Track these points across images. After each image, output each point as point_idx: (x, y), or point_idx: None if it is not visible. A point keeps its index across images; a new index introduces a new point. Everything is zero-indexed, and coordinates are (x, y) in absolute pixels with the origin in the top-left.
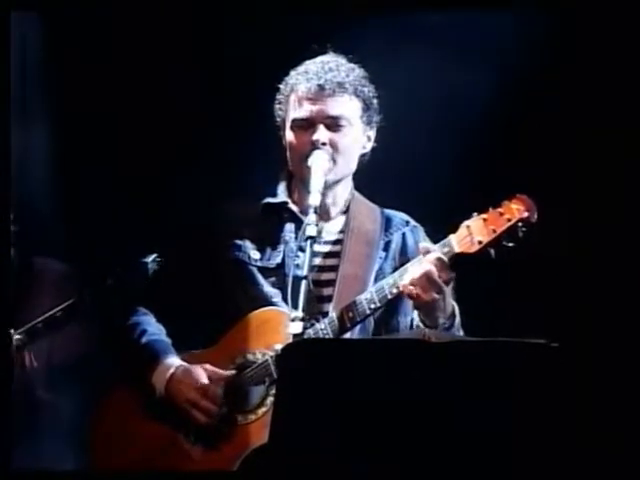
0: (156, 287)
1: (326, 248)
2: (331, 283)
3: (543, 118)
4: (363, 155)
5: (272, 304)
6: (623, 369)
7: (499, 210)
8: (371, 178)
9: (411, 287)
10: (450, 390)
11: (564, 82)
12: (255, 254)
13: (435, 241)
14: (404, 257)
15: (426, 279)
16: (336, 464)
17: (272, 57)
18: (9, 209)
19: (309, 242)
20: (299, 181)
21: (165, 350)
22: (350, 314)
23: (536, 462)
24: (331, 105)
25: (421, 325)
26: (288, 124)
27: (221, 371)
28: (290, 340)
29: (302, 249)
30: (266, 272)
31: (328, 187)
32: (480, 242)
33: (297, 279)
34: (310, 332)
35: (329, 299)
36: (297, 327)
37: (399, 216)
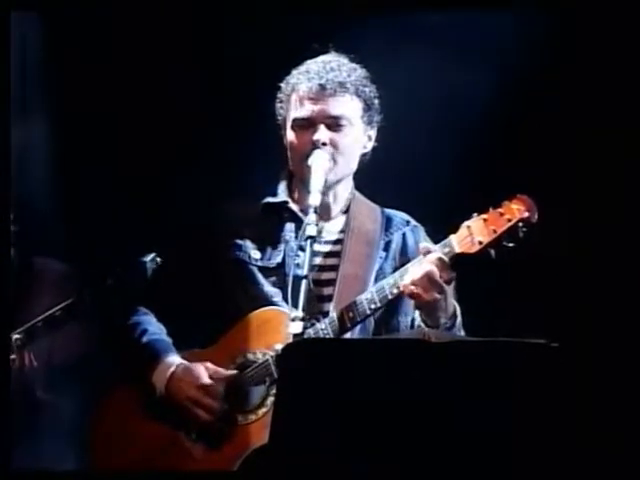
0: (156, 287)
1: (326, 248)
2: (331, 283)
3: (543, 118)
4: (364, 155)
5: (272, 304)
6: (623, 369)
7: (499, 210)
8: (372, 178)
9: (412, 287)
10: (450, 390)
11: (564, 82)
12: (255, 254)
13: (436, 241)
14: (404, 257)
15: (427, 279)
16: (336, 464)
17: (272, 57)
18: (9, 209)
19: (309, 242)
20: (299, 181)
21: (166, 349)
22: (350, 314)
23: (536, 462)
24: (332, 105)
25: (422, 325)
26: (289, 123)
27: (222, 370)
28: (290, 340)
29: (302, 249)
30: (266, 272)
31: (328, 187)
32: (480, 242)
33: (297, 279)
34: (310, 332)
35: (329, 299)
36: (297, 327)
37: (399, 216)
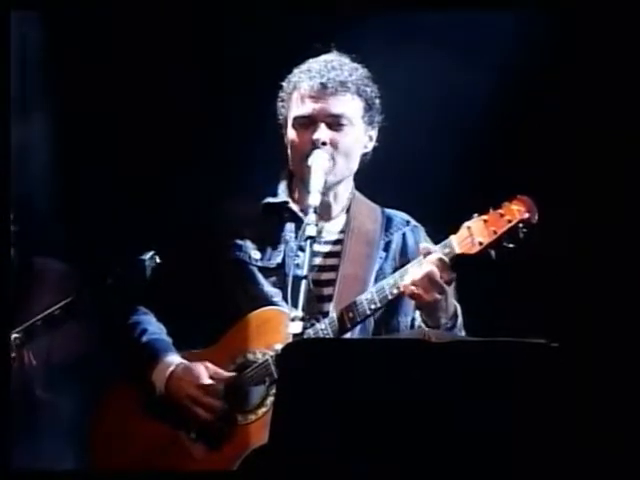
0: (157, 287)
1: (326, 248)
2: (331, 283)
3: (543, 118)
4: (364, 155)
5: (272, 304)
6: (623, 369)
7: (500, 211)
8: (372, 178)
9: (413, 287)
10: (450, 390)
11: (564, 82)
12: (256, 254)
13: (436, 241)
14: (404, 257)
15: (428, 280)
16: (336, 464)
17: (272, 57)
18: (9, 209)
19: (309, 242)
20: (300, 180)
21: (165, 349)
22: (350, 314)
23: (536, 462)
24: (333, 103)
25: (423, 325)
26: (290, 122)
27: (222, 371)
28: (290, 340)
29: (302, 249)
30: (266, 272)
31: (328, 187)
32: (481, 243)
33: (297, 279)
34: (310, 332)
35: (329, 299)
36: (297, 327)
37: (400, 216)
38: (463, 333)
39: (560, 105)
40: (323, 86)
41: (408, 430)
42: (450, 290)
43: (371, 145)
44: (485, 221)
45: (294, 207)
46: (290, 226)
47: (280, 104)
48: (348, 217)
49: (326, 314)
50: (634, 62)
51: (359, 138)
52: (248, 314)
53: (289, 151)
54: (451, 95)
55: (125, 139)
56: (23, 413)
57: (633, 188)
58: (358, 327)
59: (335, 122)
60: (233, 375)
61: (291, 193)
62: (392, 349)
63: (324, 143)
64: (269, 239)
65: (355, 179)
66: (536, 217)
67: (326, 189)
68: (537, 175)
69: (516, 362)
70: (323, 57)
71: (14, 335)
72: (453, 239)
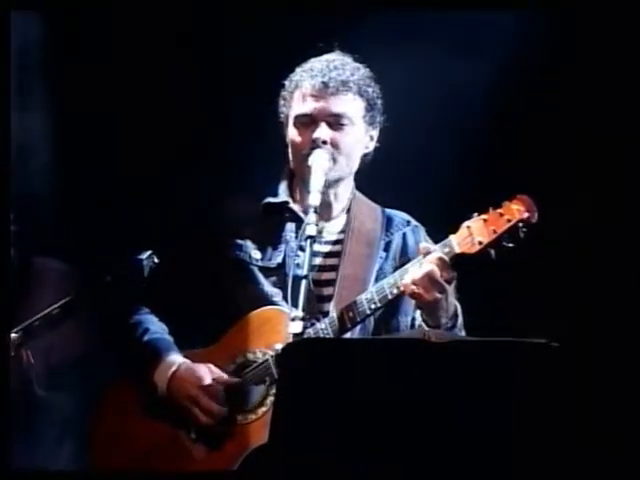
0: (157, 286)
1: (327, 248)
2: (331, 283)
3: (543, 118)
4: (365, 155)
5: (273, 303)
6: (623, 369)
7: (499, 211)
8: (372, 178)
9: (413, 287)
10: (450, 390)
11: (564, 82)
12: (256, 254)
13: (436, 241)
14: (405, 257)
15: (428, 279)
16: (336, 464)
17: (272, 57)
18: (9, 209)
19: (309, 242)
20: (300, 180)
21: (167, 348)
22: (350, 314)
23: (536, 462)
24: (334, 103)
25: (424, 325)
26: (291, 121)
27: (225, 375)
28: (290, 339)
29: (302, 249)
30: (267, 272)
31: (329, 186)
32: (480, 243)
33: (297, 278)
34: (310, 332)
35: (329, 299)
36: (297, 326)
37: (400, 216)
38: (463, 333)
39: (560, 105)
40: (325, 85)
41: (408, 430)
42: (450, 289)
43: (372, 145)
44: (485, 221)
45: (295, 207)
46: (290, 226)
47: (281, 103)
48: (348, 217)
49: (326, 314)
50: (634, 62)
51: (360, 138)
52: (248, 314)
53: (290, 150)
54: (451, 95)
55: (125, 139)
56: (23, 413)
57: (633, 188)
58: (358, 327)
59: (336, 121)
60: (236, 380)
61: (292, 193)
62: (392, 349)
63: (324, 142)
64: (269, 239)
65: (356, 179)
66: (536, 216)
67: (326, 188)
68: (537, 175)
69: (516, 362)
70: (325, 56)
71: (13, 335)
72: (453, 239)
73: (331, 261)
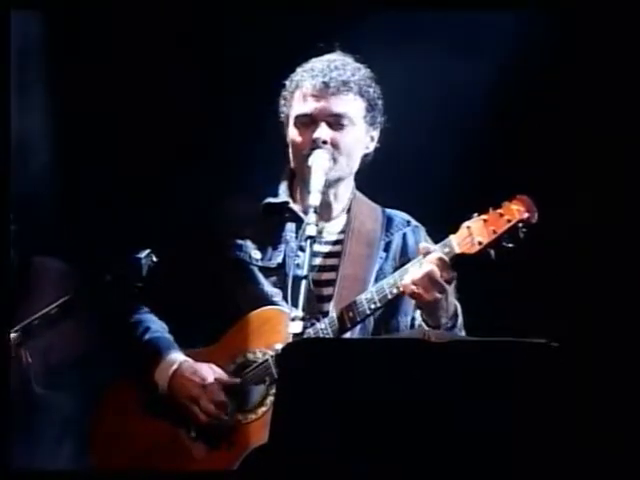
0: (157, 286)
1: (327, 248)
2: (331, 283)
3: (543, 118)
4: (366, 156)
5: (273, 303)
6: (623, 369)
7: (499, 211)
8: (372, 178)
9: (413, 287)
10: (450, 390)
11: (564, 82)
12: (256, 254)
13: (436, 241)
14: (405, 257)
15: (428, 279)
16: (336, 464)
17: (272, 57)
18: (9, 209)
19: (309, 242)
20: (300, 180)
21: (168, 346)
22: (350, 314)
23: (536, 462)
24: (335, 103)
25: (424, 325)
26: (291, 120)
27: (226, 376)
28: (290, 339)
29: (302, 249)
30: (267, 272)
31: (329, 186)
32: (480, 243)
33: (297, 279)
34: (310, 332)
35: (329, 299)
36: (297, 326)
37: (400, 216)
38: (463, 333)
39: (560, 105)
40: (325, 85)
41: (408, 430)
42: (450, 289)
43: (372, 146)
44: (485, 221)
45: (295, 207)
46: (291, 226)
47: (282, 102)
48: (349, 217)
49: (326, 314)
50: (634, 62)
51: (360, 138)
52: (248, 314)
53: (290, 150)
54: (451, 95)
55: (125, 139)
56: (23, 413)
57: (633, 188)
58: (358, 327)
59: (336, 121)
60: (236, 380)
61: (292, 193)
62: (392, 349)
63: (325, 142)
64: (269, 239)
65: (356, 179)
66: (536, 217)
67: (327, 188)
68: (537, 175)
69: (516, 362)
70: (326, 56)
71: (12, 335)
72: (453, 239)
73: (331, 261)
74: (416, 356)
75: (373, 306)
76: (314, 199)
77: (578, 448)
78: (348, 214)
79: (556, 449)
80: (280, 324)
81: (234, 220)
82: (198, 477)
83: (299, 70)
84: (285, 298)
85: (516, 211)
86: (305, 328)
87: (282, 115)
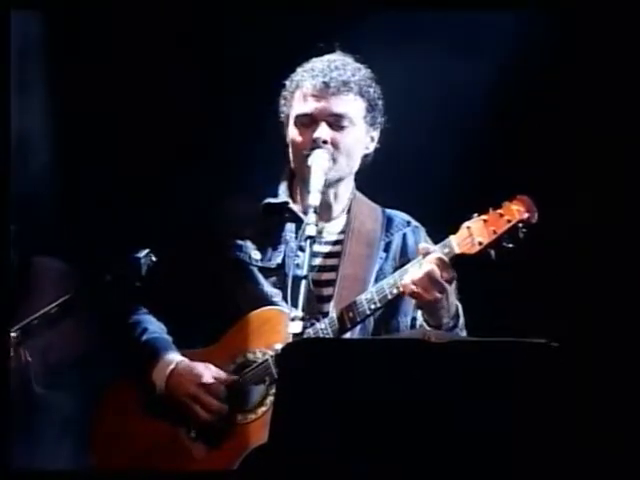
0: (156, 286)
1: (327, 248)
2: (331, 283)
3: (543, 118)
4: (366, 156)
5: (272, 304)
6: (623, 369)
7: (499, 211)
8: (372, 178)
9: (413, 287)
10: (450, 390)
11: (564, 82)
12: (256, 254)
13: (436, 241)
14: (405, 258)
15: (428, 279)
16: (336, 464)
17: (272, 57)
18: (9, 209)
19: (309, 242)
20: (300, 180)
21: (165, 347)
22: (350, 314)
23: (536, 462)
24: (335, 103)
25: (425, 325)
26: (291, 120)
27: (224, 373)
28: (290, 339)
29: (302, 249)
30: (267, 272)
31: (329, 186)
32: (480, 243)
33: (297, 279)
34: (310, 332)
35: (329, 299)
36: (297, 326)
37: (400, 216)
38: (465, 333)
39: (560, 105)
40: (325, 85)
41: (408, 430)
42: (451, 289)
43: (373, 146)
44: (485, 221)
45: (295, 207)
46: (290, 226)
47: (282, 102)
48: (349, 217)
49: (326, 314)
50: (634, 62)
51: (360, 138)
52: (248, 314)
53: (290, 150)
54: (451, 95)
55: (125, 139)
56: (23, 413)
57: (633, 188)
58: (358, 327)
59: (336, 121)
60: (234, 378)
61: (292, 193)
62: (392, 349)
63: (325, 142)
64: (269, 239)
65: (356, 179)
66: (536, 217)
67: (326, 188)
68: (537, 175)
69: (516, 362)
70: (327, 57)
71: (11, 334)
72: (453, 239)
73: (331, 261)
74: (416, 356)
75: (373, 306)
76: (314, 199)
77: (578, 448)
78: (348, 214)
79: (556, 449)
80: (280, 324)
81: (234, 220)
82: (198, 477)
83: (299, 70)
84: (285, 298)
85: (516, 211)
86: (305, 328)
87: (282, 115)
